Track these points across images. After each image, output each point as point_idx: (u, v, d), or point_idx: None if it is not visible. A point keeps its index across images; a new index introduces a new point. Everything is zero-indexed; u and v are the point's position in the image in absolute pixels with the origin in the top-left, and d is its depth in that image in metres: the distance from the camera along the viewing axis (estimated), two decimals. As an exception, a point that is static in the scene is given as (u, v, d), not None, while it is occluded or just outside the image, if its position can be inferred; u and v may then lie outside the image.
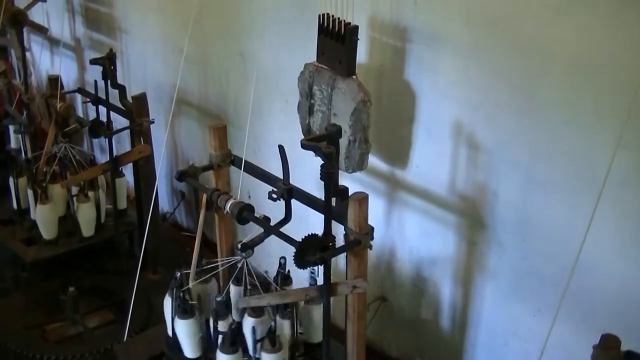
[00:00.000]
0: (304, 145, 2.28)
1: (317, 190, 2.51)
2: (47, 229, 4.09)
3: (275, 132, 3.67)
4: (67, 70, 5.60)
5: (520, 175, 2.64)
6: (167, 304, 2.78)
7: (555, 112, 2.47)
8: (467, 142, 2.78)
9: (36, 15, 5.22)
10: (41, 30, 5.12)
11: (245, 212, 2.59)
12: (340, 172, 2.70)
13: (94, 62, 3.81)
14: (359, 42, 2.73)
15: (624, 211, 2.33)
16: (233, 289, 2.78)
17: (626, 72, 2.21)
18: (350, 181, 3.04)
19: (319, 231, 2.41)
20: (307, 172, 2.73)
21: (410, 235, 3.16)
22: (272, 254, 2.92)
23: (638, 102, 2.08)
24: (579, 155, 2.43)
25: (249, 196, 3.84)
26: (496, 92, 2.64)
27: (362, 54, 2.92)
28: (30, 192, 4.19)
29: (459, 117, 2.78)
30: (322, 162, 2.27)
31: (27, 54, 4.95)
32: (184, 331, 2.77)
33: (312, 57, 2.88)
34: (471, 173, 2.80)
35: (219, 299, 2.69)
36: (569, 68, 2.39)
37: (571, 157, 2.46)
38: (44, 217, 4.06)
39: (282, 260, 2.76)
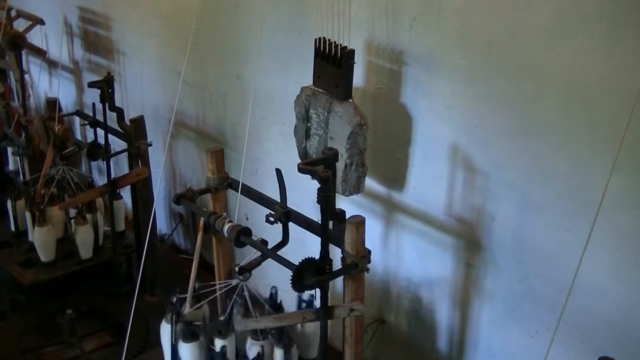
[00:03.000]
0: (300, 170, 2.29)
1: (314, 212, 2.51)
2: (44, 252, 4.09)
3: (272, 154, 3.68)
4: (65, 92, 5.63)
5: (517, 198, 2.64)
6: (165, 329, 2.77)
7: (550, 136, 2.48)
8: (464, 165, 2.79)
9: (35, 37, 5.25)
10: (40, 53, 5.15)
11: (242, 236, 2.60)
12: (337, 194, 2.72)
13: (92, 85, 3.83)
14: (355, 65, 2.75)
15: (619, 233, 2.34)
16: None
17: (621, 96, 2.22)
18: (347, 203, 3.06)
19: (317, 253, 2.41)
20: (304, 194, 2.75)
21: (407, 257, 3.16)
22: (270, 276, 2.93)
23: (632, 126, 2.09)
24: (574, 179, 2.44)
25: (247, 218, 3.86)
26: (492, 116, 2.65)
27: (358, 77, 2.94)
28: (28, 215, 4.19)
29: (455, 139, 2.79)
30: (319, 185, 2.28)
31: (26, 76, 4.97)
32: (190, 355, 2.75)
33: (309, 80, 2.89)
34: (468, 195, 2.81)
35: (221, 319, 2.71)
36: (564, 92, 2.40)
37: (567, 180, 2.46)
38: (42, 240, 4.07)
39: (273, 290, 2.76)
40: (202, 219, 2.80)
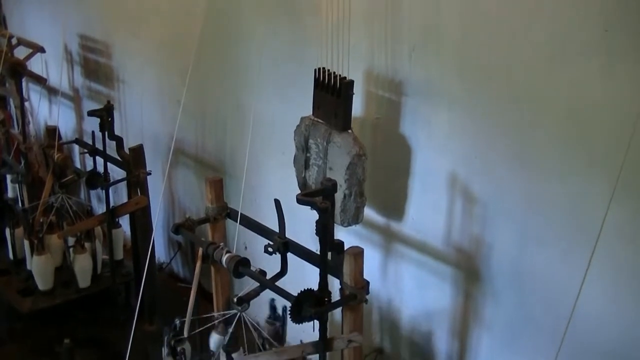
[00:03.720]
0: (299, 201, 2.30)
1: (313, 241, 2.52)
2: (43, 280, 4.09)
3: (272, 183, 3.69)
4: (65, 119, 5.64)
5: (515, 227, 2.64)
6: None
7: (549, 165, 2.48)
8: (463, 194, 2.79)
9: (35, 65, 5.27)
10: (40, 80, 5.17)
11: (241, 267, 2.60)
12: (336, 224, 2.72)
13: (91, 114, 3.84)
14: (354, 95, 2.76)
15: (618, 262, 2.33)
16: (214, 336, 2.79)
17: (619, 125, 2.22)
18: (345, 233, 3.06)
19: (316, 283, 2.41)
20: (303, 223, 2.74)
21: (406, 286, 3.16)
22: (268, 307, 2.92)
23: (630, 156, 2.10)
24: (573, 209, 2.44)
25: (245, 247, 3.86)
26: (490, 145, 2.65)
27: (357, 107, 2.95)
28: (26, 243, 4.20)
29: (454, 169, 2.80)
30: (318, 216, 2.28)
31: (26, 104, 4.98)
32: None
33: (309, 110, 2.90)
34: (467, 225, 2.81)
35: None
36: (562, 120, 2.41)
37: (565, 210, 2.46)
38: (40, 268, 4.06)
39: (273, 303, 2.76)
40: (200, 249, 2.80)
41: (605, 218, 2.05)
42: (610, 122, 2.27)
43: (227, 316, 2.80)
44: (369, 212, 3.02)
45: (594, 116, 2.32)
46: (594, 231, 2.13)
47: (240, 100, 3.82)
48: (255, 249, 3.74)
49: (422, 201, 2.97)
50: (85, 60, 5.32)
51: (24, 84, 5.05)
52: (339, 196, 2.72)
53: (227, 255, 2.65)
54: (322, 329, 2.45)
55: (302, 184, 2.96)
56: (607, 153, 2.29)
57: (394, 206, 3.07)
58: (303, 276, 2.55)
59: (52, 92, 5.79)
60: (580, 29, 2.29)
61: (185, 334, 2.76)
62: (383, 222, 3.14)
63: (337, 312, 2.69)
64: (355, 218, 2.85)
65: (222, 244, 2.76)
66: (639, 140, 2.10)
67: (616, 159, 2.18)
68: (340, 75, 2.72)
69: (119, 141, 3.94)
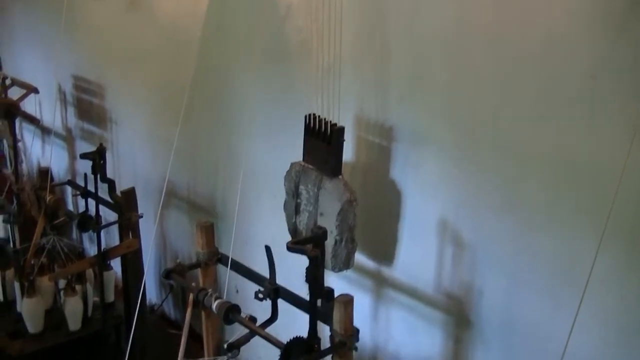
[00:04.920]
0: (289, 249, 2.31)
1: (303, 286, 2.52)
2: (33, 323, 4.06)
3: (263, 227, 3.70)
4: (58, 159, 5.66)
5: (505, 273, 2.65)
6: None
7: (537, 213, 2.50)
8: (452, 240, 2.80)
9: (29, 105, 5.29)
10: (33, 121, 5.19)
11: (231, 314, 2.60)
12: (327, 269, 2.72)
13: (84, 156, 3.85)
14: (345, 141, 2.78)
15: (606, 310, 2.34)
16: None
17: (605, 174, 2.24)
18: (336, 278, 3.06)
19: (307, 328, 2.41)
20: (294, 268, 2.74)
21: (396, 331, 3.15)
22: (260, 348, 2.91)
23: (617, 204, 2.11)
24: (561, 256, 2.45)
25: (237, 290, 3.85)
26: (479, 193, 2.67)
27: (348, 152, 2.97)
28: (17, 285, 4.18)
29: (444, 215, 2.81)
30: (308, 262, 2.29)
31: (19, 144, 4.99)
32: None
33: (299, 154, 2.92)
34: (456, 271, 2.82)
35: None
36: (550, 169, 2.43)
37: (553, 257, 2.47)
38: (30, 311, 4.04)
39: None
40: (191, 294, 2.80)
41: (593, 266, 2.06)
42: (597, 171, 2.29)
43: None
44: (359, 257, 3.03)
45: (581, 165, 2.34)
46: (582, 279, 2.13)
47: (232, 143, 3.84)
48: (246, 292, 3.73)
49: (413, 246, 2.98)
50: (78, 101, 5.35)
51: (17, 123, 5.07)
52: (330, 242, 2.72)
53: (217, 301, 2.64)
54: (312, 376, 2.45)
55: (293, 229, 2.97)
56: (595, 202, 2.30)
57: (385, 251, 3.07)
58: (294, 321, 2.55)
59: (45, 132, 5.81)
60: (567, 76, 2.32)
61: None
62: (374, 267, 3.15)
63: (327, 359, 2.69)
64: (346, 263, 2.85)
65: (210, 290, 2.75)
66: (626, 190, 2.12)
67: (603, 207, 2.19)
68: (330, 122, 2.74)
69: (111, 184, 3.94)
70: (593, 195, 2.31)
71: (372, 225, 3.07)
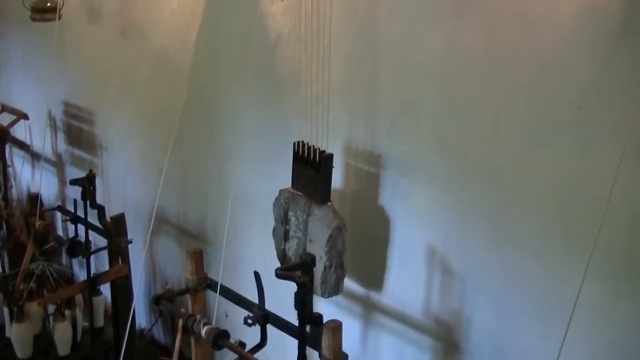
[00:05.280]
0: (278, 275, 2.33)
1: (293, 311, 2.54)
2: (21, 348, 4.06)
3: (253, 253, 3.71)
4: (48, 185, 5.66)
5: (493, 301, 2.67)
6: None
7: (525, 242, 2.52)
8: (441, 268, 2.82)
9: (19, 130, 5.30)
10: (23, 147, 5.20)
11: (219, 340, 2.61)
12: (316, 295, 2.74)
13: (73, 182, 3.86)
14: (334, 167, 2.80)
15: (593, 337, 2.36)
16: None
17: (594, 203, 2.26)
18: (325, 303, 3.07)
19: (296, 354, 2.42)
20: (283, 294, 2.75)
21: (385, 357, 3.16)
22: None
23: (606, 232, 2.13)
24: (549, 284, 2.47)
25: (226, 315, 3.85)
26: (468, 221, 2.69)
27: (337, 179, 3.00)
28: (6, 310, 4.17)
29: (433, 242, 2.83)
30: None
31: (9, 169, 5.00)
32: None
33: (289, 181, 2.94)
34: (445, 298, 2.83)
35: None
36: (538, 198, 2.46)
37: (542, 285, 2.50)
38: (19, 337, 4.03)
39: None
40: (180, 320, 2.81)
41: (579, 294, 2.08)
42: (586, 200, 2.32)
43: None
44: (349, 283, 3.04)
45: (569, 195, 2.36)
46: (571, 306, 2.15)
47: (222, 170, 3.86)
48: (236, 316, 3.72)
49: (402, 273, 2.99)
50: (68, 127, 5.36)
51: (7, 149, 5.08)
52: (319, 268, 2.74)
53: (206, 327, 2.66)
54: (301, 403, 2.46)
55: (282, 255, 2.99)
56: (583, 231, 2.33)
57: (374, 277, 3.09)
58: (285, 346, 2.57)
59: (35, 157, 5.81)
60: (555, 107, 2.36)
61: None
62: (363, 293, 3.16)
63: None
64: (335, 289, 2.87)
65: (198, 316, 2.76)
66: (615, 219, 2.15)
67: (592, 235, 2.21)
68: (319, 149, 2.76)
69: (101, 210, 3.95)
70: (582, 223, 2.33)
71: (362, 252, 3.09)
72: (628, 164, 2.08)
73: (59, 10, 4.33)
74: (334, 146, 2.86)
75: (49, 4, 4.41)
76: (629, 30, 2.14)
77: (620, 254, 2.26)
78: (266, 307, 2.67)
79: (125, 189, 4.83)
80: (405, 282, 2.97)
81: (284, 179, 2.95)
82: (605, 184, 2.16)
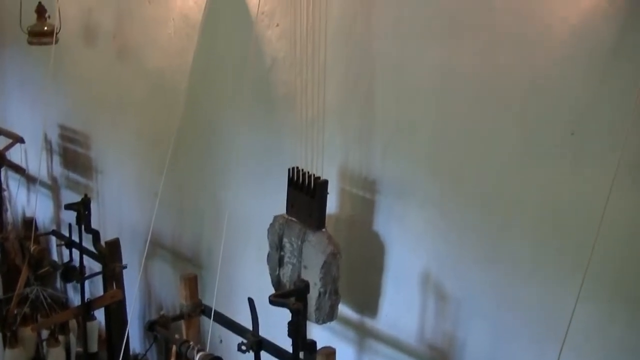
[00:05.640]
0: (272, 302, 2.32)
1: (287, 337, 2.52)
2: (15, 374, 4.04)
3: (248, 277, 3.69)
4: (43, 208, 5.65)
5: (488, 325, 2.65)
6: None
7: (520, 263, 2.51)
8: (435, 292, 2.80)
9: (15, 154, 5.30)
10: (18, 170, 5.19)
11: (213, 366, 2.60)
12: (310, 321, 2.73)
13: (68, 207, 3.86)
14: (329, 193, 2.80)
15: (589, 358, 2.35)
16: None
17: (585, 225, 2.26)
18: (320, 329, 3.05)
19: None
20: (278, 319, 2.74)
21: (380, 383, 3.15)
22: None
23: (600, 254, 2.13)
24: (544, 306, 2.46)
25: (221, 341, 3.83)
26: (462, 243, 2.68)
27: (332, 205, 2.99)
28: (-1, 335, 4.16)
29: (427, 267, 2.82)
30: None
31: (4, 193, 5.00)
32: None
33: (284, 204, 2.93)
34: (440, 322, 2.82)
35: None
36: (532, 221, 2.45)
37: (536, 307, 2.48)
38: (13, 362, 4.02)
39: None
40: (174, 346, 2.80)
41: (573, 315, 2.07)
42: (578, 223, 2.31)
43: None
44: (343, 309, 3.03)
45: (562, 217, 2.36)
46: (563, 328, 2.15)
47: (217, 193, 3.85)
48: (231, 342, 3.70)
49: (396, 298, 2.98)
50: (64, 150, 5.36)
51: (2, 172, 5.07)
52: (313, 294, 2.73)
53: (200, 354, 2.64)
54: None
55: (276, 281, 2.97)
56: (576, 253, 2.32)
57: (368, 303, 3.07)
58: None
59: (30, 180, 5.81)
60: (548, 129, 2.36)
61: None
62: (357, 319, 3.15)
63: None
64: (330, 315, 2.85)
65: (192, 342, 2.75)
66: (608, 241, 2.14)
67: (586, 257, 2.21)
68: (314, 175, 2.75)
69: (96, 234, 3.95)
70: (576, 244, 2.33)
71: (356, 277, 3.08)
72: (620, 187, 2.08)
73: (56, 34, 4.34)
74: (329, 171, 2.86)
75: (46, 28, 4.42)
76: (620, 54, 2.15)
77: (613, 276, 2.25)
78: (260, 333, 2.65)
79: (120, 212, 4.82)
80: (400, 307, 2.96)
81: (279, 201, 2.95)
82: (598, 206, 2.16)
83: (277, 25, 3.26)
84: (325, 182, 2.73)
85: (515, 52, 2.42)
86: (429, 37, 2.69)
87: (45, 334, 4.12)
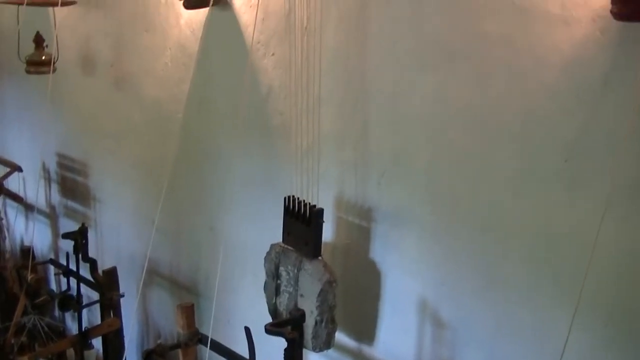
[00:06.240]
0: (268, 331, 2.32)
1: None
2: (12, 404, 4.03)
3: (245, 305, 3.69)
4: (41, 236, 5.66)
5: (484, 352, 2.65)
6: None
7: (516, 290, 2.51)
8: (432, 320, 2.81)
9: (13, 182, 5.32)
10: (16, 199, 5.20)
11: (210, 398, 2.60)
12: (307, 350, 2.73)
13: (66, 236, 3.87)
14: (324, 222, 2.81)
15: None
16: None
17: (581, 253, 2.26)
18: (317, 357, 3.06)
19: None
20: (275, 348, 2.75)
21: (378, 411, 3.14)
22: None
23: (594, 279, 2.14)
24: (540, 332, 2.46)
25: (218, 369, 3.83)
26: (459, 271, 2.69)
27: (328, 233, 2.99)
28: (-3, 365, 4.15)
29: (424, 294, 2.82)
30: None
31: (2, 221, 5.01)
32: None
33: (280, 231, 2.94)
34: (436, 349, 2.82)
35: None
36: (528, 248, 2.46)
37: (532, 333, 2.48)
38: (10, 392, 4.01)
39: None
40: (171, 376, 2.80)
41: (567, 342, 2.07)
42: (573, 250, 2.32)
43: None
44: (340, 336, 3.02)
45: (557, 244, 2.37)
46: (558, 355, 2.15)
47: (214, 222, 3.86)
48: (228, 371, 3.72)
49: (393, 325, 2.98)
50: (62, 178, 5.37)
51: (0, 201, 5.09)
52: (310, 322, 2.73)
53: (197, 384, 2.64)
54: None
55: (273, 310, 2.97)
56: (571, 280, 2.32)
57: (365, 330, 3.07)
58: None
59: (29, 208, 5.82)
60: (542, 156, 2.37)
61: None
62: (354, 346, 3.14)
63: None
64: (327, 343, 2.85)
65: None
66: (599, 267, 2.15)
67: (579, 285, 2.22)
68: (310, 204, 2.77)
69: (93, 263, 3.95)
70: (570, 271, 2.33)
71: (353, 305, 3.08)
72: (613, 213, 2.10)
73: (54, 63, 4.37)
74: (325, 199, 2.87)
75: (44, 57, 4.45)
76: (612, 82, 2.17)
77: (608, 302, 2.25)
78: (257, 361, 2.66)
79: (118, 240, 4.82)
80: (397, 335, 2.96)
81: (276, 229, 2.96)
82: (591, 233, 2.17)
83: (273, 54, 3.29)
84: (321, 211, 2.74)
85: (508, 81, 2.44)
86: (423, 66, 2.71)
87: (42, 363, 4.11)
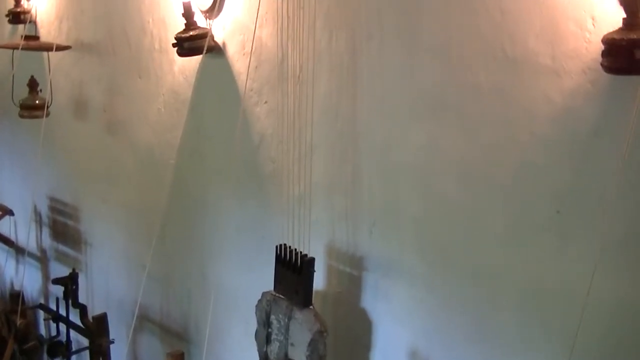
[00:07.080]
0: (257, 383, 2.30)
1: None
2: None
3: (236, 353, 3.67)
4: (31, 280, 5.63)
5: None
6: None
7: (507, 340, 2.50)
8: (423, 370, 2.80)
9: (4, 225, 5.30)
10: (7, 243, 5.19)
11: None
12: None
13: (56, 282, 3.86)
14: (316, 270, 2.80)
15: None
16: None
17: (573, 303, 2.26)
18: (308, 406, 3.03)
19: None
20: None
21: None
22: None
23: (586, 329, 2.13)
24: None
25: (209, 417, 3.79)
26: (450, 321, 2.68)
27: (319, 281, 2.99)
28: (-16, 412, 4.11)
29: (415, 344, 2.81)
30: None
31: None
32: None
33: (271, 278, 2.93)
34: (428, 400, 2.80)
35: None
36: (518, 297, 2.45)
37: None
38: None
39: None
40: None
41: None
42: (564, 302, 2.32)
43: None
44: (331, 386, 3.01)
45: (548, 296, 2.36)
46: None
47: (205, 268, 3.85)
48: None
49: (384, 376, 2.97)
50: (54, 222, 5.36)
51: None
52: (300, 372, 2.72)
53: None
54: None
55: (264, 358, 2.96)
56: (563, 330, 2.32)
57: (356, 380, 3.06)
58: None
59: (19, 252, 5.79)
60: (533, 208, 2.37)
61: None
62: (345, 396, 3.13)
63: None
64: (317, 393, 2.84)
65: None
66: (590, 319, 2.15)
67: (572, 336, 2.21)
68: (301, 253, 2.77)
69: (83, 309, 3.93)
70: (561, 323, 2.33)
71: (343, 354, 3.07)
72: (604, 266, 2.11)
73: (47, 107, 4.38)
74: (316, 246, 2.87)
75: (37, 101, 4.46)
76: (602, 133, 2.18)
77: (600, 354, 2.24)
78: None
79: (108, 285, 4.80)
80: (388, 385, 2.94)
81: (267, 276, 2.96)
82: (583, 285, 2.17)
83: (266, 102, 3.30)
84: (312, 260, 2.74)
85: (499, 131, 2.45)
86: (414, 117, 2.72)
87: (30, 410, 4.08)
